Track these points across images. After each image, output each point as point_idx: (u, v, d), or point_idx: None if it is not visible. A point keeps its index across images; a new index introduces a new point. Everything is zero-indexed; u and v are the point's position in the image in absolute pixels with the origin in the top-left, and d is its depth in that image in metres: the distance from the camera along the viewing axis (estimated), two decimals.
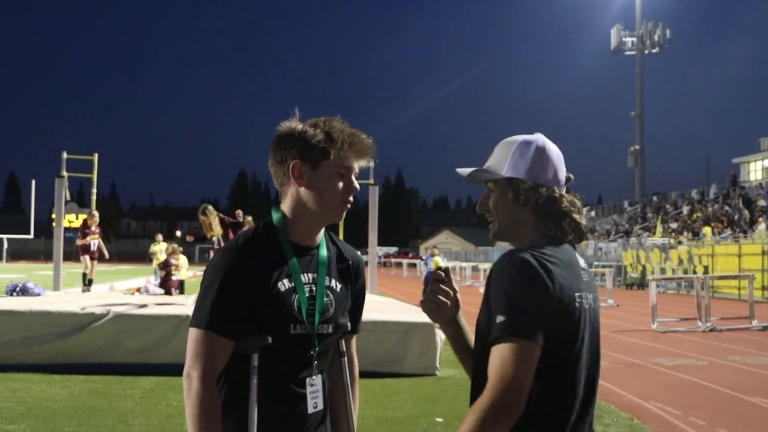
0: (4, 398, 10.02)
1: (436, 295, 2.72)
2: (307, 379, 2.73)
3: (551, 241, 2.55)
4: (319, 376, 2.76)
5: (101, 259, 21.46)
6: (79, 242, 20.83)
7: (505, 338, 2.29)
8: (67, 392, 10.51)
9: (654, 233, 51.79)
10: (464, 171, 2.70)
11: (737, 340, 17.49)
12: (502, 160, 2.65)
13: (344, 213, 2.82)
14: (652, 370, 13.16)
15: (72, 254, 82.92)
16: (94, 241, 20.80)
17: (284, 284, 2.72)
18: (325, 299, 2.75)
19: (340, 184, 2.76)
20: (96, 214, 21.19)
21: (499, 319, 2.33)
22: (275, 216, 2.85)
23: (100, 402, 9.93)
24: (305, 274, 2.77)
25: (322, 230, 2.89)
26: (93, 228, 20.71)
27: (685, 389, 11.42)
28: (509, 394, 2.23)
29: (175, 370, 11.01)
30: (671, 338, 17.99)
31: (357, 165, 2.82)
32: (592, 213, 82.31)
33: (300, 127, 2.77)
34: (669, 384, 11.85)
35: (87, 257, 20.73)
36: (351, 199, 2.81)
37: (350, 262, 2.91)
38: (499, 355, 2.29)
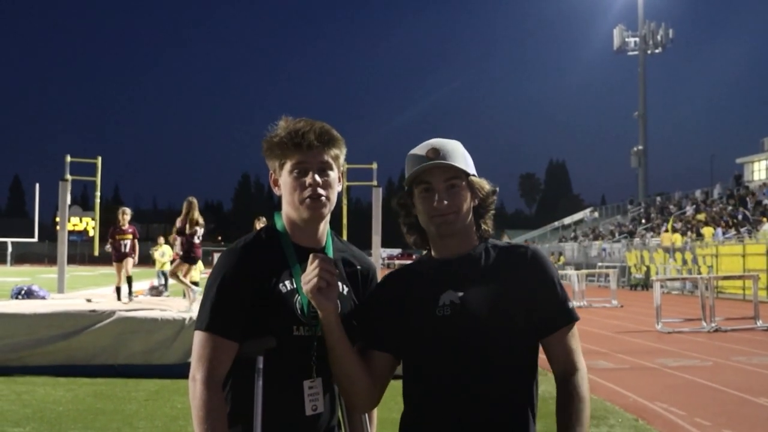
0: (10, 401, 10.04)
1: (329, 273, 2.62)
2: (305, 382, 2.72)
3: None
4: (320, 379, 2.75)
5: (120, 260, 17.66)
6: (108, 245, 17.99)
7: (574, 322, 2.71)
8: (71, 395, 10.52)
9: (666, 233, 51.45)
10: (448, 162, 2.69)
11: (742, 341, 17.46)
12: (465, 157, 2.76)
13: (318, 210, 2.75)
14: (656, 371, 13.14)
15: (75, 258, 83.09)
16: (126, 242, 17.71)
17: (285, 286, 2.73)
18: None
19: (298, 182, 2.75)
20: (128, 210, 18.19)
21: (569, 304, 2.70)
22: (277, 220, 2.88)
23: (105, 404, 9.94)
24: None
25: (326, 232, 2.88)
26: (126, 227, 17.74)
27: (689, 390, 11.39)
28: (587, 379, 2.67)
29: (179, 371, 11.06)
30: (676, 339, 17.96)
31: (313, 157, 2.75)
32: (596, 214, 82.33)
33: (265, 138, 2.83)
34: (674, 385, 11.83)
35: (120, 265, 17.38)
36: (318, 193, 2.73)
37: (359, 267, 2.88)
38: (576, 337, 2.70)
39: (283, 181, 2.79)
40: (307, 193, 2.73)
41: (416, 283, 2.75)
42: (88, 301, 16.21)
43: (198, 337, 2.65)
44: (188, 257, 16.17)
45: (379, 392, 2.76)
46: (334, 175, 2.80)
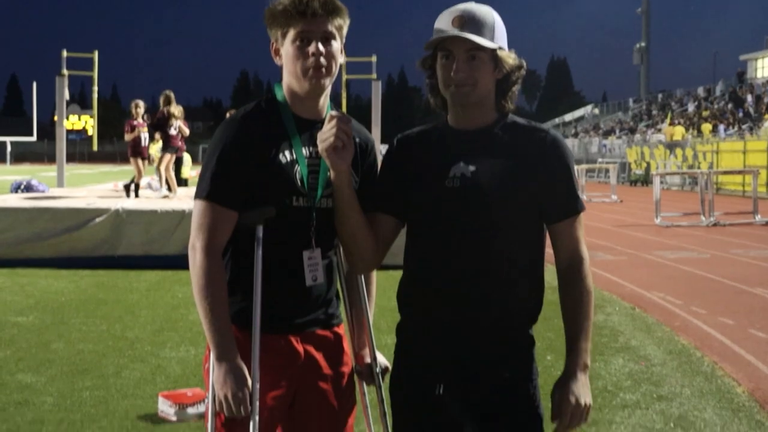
0: (13, 292, 10.14)
1: (345, 133, 2.60)
2: (305, 252, 2.72)
3: None
4: (319, 250, 2.75)
5: (137, 155, 16.80)
6: (127, 137, 16.85)
7: (581, 212, 2.69)
8: (74, 286, 10.63)
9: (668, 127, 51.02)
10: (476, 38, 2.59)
11: (740, 235, 17.54)
12: (494, 27, 2.66)
13: (320, 80, 2.70)
14: (654, 263, 13.23)
15: (75, 156, 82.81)
16: (145, 135, 16.83)
17: (285, 156, 2.70)
18: (328, 173, 2.70)
19: (301, 52, 2.69)
20: (141, 103, 17.13)
21: (578, 194, 2.69)
22: (278, 91, 2.83)
23: (107, 295, 10.05)
24: (307, 148, 2.74)
25: (326, 104, 2.83)
26: (140, 121, 16.82)
27: (687, 280, 11.50)
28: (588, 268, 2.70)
29: (179, 263, 11.10)
30: (674, 232, 18.03)
31: (317, 26, 2.69)
32: (596, 110, 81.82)
33: (267, 6, 2.76)
34: (671, 276, 11.93)
35: (138, 160, 16.70)
36: (320, 63, 2.68)
37: (358, 140, 2.82)
38: (582, 226, 2.68)
39: (285, 51, 2.74)
40: (310, 62, 2.68)
41: (429, 151, 2.72)
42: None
43: (198, 205, 2.65)
44: (165, 148, 16.32)
45: (381, 254, 2.78)
46: (337, 45, 2.74)
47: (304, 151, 2.73)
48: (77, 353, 7.24)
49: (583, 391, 2.51)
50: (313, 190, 2.72)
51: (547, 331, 7.71)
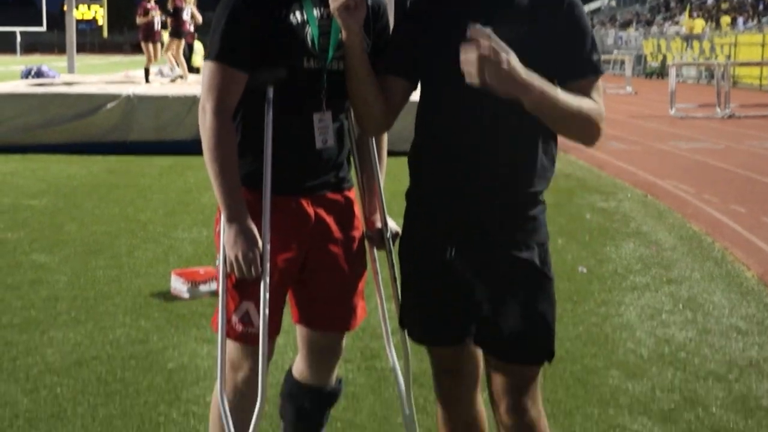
0: (25, 177, 10.20)
1: None
2: (315, 114, 2.68)
3: None
4: (329, 112, 2.71)
5: (148, 39, 16.54)
6: (140, 20, 16.45)
7: (599, 75, 2.62)
8: (86, 171, 10.66)
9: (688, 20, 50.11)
10: None
11: (756, 127, 17.37)
12: None
13: None
14: (668, 153, 13.15)
15: (85, 46, 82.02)
16: (157, 18, 16.42)
17: (296, 17, 2.63)
18: (340, 34, 2.63)
19: None
20: None
21: (595, 57, 2.60)
22: None
23: (119, 179, 10.10)
24: (318, 9, 2.67)
25: None
26: (152, 3, 16.39)
27: (700, 170, 11.45)
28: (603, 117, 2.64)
29: (191, 148, 11.09)
30: (689, 124, 17.85)
31: None
32: (613, 2, 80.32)
33: None
34: (685, 165, 11.87)
35: (150, 45, 16.37)
36: None
37: (369, 2, 2.73)
38: (600, 90, 2.62)
39: None
40: None
41: (443, 13, 2.63)
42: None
43: (208, 67, 2.60)
44: (175, 32, 16.24)
45: (391, 117, 2.72)
46: None
47: (315, 12, 2.66)
48: (90, 234, 7.31)
49: (517, 65, 2.30)
50: (324, 51, 2.66)
51: (559, 216, 7.76)
